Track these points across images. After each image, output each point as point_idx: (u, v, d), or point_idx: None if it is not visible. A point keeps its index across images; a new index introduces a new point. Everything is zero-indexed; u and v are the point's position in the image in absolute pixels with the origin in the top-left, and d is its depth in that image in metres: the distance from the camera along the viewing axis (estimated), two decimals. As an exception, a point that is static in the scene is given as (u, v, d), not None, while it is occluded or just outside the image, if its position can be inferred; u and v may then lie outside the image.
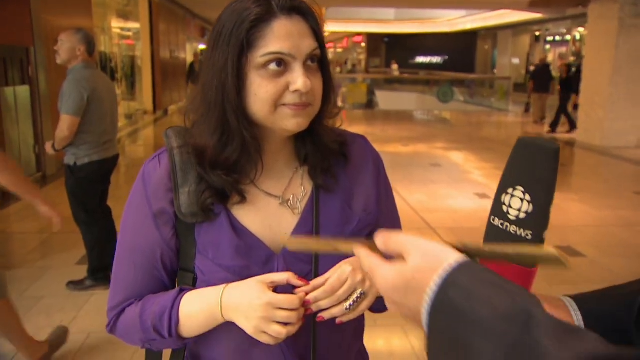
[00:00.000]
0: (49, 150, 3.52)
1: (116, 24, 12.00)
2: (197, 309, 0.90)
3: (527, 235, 0.65)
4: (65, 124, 3.35)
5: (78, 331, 3.13)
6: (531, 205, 0.64)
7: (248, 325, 0.86)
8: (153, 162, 0.97)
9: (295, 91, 0.86)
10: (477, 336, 0.49)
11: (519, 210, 0.65)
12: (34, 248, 4.54)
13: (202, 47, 21.31)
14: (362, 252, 0.64)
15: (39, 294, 3.62)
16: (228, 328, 0.90)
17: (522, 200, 0.65)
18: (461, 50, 29.93)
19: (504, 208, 0.67)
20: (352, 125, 11.46)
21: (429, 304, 0.53)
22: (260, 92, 0.86)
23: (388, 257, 0.61)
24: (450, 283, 0.53)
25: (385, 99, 17.70)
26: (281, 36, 0.86)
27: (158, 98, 13.79)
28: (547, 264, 0.56)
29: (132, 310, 0.94)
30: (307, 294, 0.88)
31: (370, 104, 17.09)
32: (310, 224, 0.96)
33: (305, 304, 0.88)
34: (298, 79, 0.86)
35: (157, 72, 13.64)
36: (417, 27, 28.30)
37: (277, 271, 0.92)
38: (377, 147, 1.11)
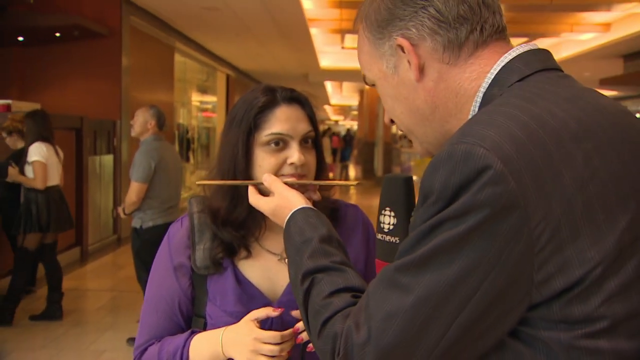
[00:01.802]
0: (120, 214, 3.93)
1: (195, 98, 12.97)
2: (203, 348, 1.07)
3: (395, 240, 0.88)
4: (134, 190, 3.76)
5: (133, 385, 3.35)
6: (395, 219, 0.89)
7: (242, 359, 1.03)
8: (176, 224, 1.19)
9: (292, 164, 1.07)
10: (290, 247, 0.91)
11: (388, 224, 0.89)
12: (104, 304, 4.89)
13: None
14: (250, 190, 1.06)
15: (101, 348, 3.89)
16: None
17: (389, 216, 0.89)
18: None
19: (381, 225, 0.90)
20: (415, 197, 11.46)
21: (284, 227, 0.95)
22: (264, 164, 1.08)
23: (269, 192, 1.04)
24: (292, 218, 0.95)
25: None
26: (282, 120, 1.08)
27: (230, 167, 14.46)
28: (351, 185, 1.08)
29: (153, 348, 1.12)
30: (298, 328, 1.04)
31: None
32: None
33: (295, 331, 1.04)
34: (294, 154, 1.07)
35: (231, 142, 14.42)
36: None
37: (273, 319, 1.08)
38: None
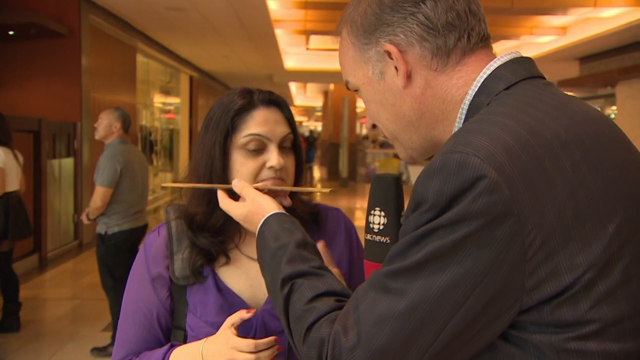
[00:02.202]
0: (84, 220, 3.80)
1: (158, 99, 12.72)
2: None
3: (386, 240, 0.88)
4: (99, 195, 3.64)
5: (98, 398, 3.22)
6: (385, 218, 0.88)
7: None
8: (153, 234, 1.14)
9: (270, 167, 1.04)
10: (265, 252, 0.90)
11: (379, 223, 0.88)
12: (65, 314, 4.71)
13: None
14: (220, 194, 1.03)
15: (64, 359, 3.74)
16: None
17: (379, 216, 0.88)
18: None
19: (370, 225, 0.89)
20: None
21: (257, 232, 0.94)
22: (242, 169, 1.05)
23: (238, 197, 1.02)
24: (265, 224, 0.93)
25: (417, 174, 17.83)
26: (260, 122, 1.06)
27: (194, 169, 14.26)
28: (325, 192, 1.02)
29: None
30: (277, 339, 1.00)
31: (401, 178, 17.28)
32: None
33: (276, 340, 0.99)
34: (273, 157, 1.05)
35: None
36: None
37: (256, 327, 1.05)
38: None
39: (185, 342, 1.08)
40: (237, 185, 1.01)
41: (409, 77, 0.80)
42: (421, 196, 0.69)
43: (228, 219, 1.08)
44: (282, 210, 0.96)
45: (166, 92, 13.37)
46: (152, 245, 1.13)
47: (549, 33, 10.03)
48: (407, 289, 0.67)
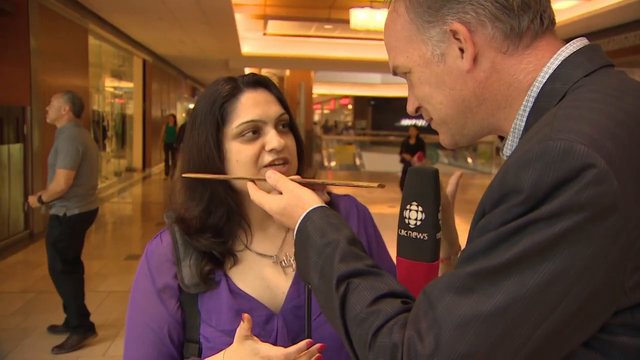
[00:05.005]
0: (33, 203, 3.70)
1: (110, 84, 12.26)
2: None
3: (424, 237, 0.84)
4: (63, 178, 3.59)
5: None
6: (423, 214, 0.84)
7: None
8: (155, 241, 1.06)
9: (272, 150, 0.98)
10: (310, 249, 0.81)
11: (416, 219, 0.84)
12: (19, 309, 4.48)
13: (192, 106, 21.72)
14: (251, 187, 0.95)
15: (22, 358, 3.56)
16: None
17: (416, 211, 0.84)
18: (445, 114, 30.59)
19: (406, 220, 0.85)
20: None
21: (297, 227, 0.85)
22: (240, 157, 0.99)
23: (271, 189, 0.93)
24: (308, 218, 0.84)
25: (372, 161, 18.01)
26: (250, 106, 1.00)
27: (148, 156, 13.91)
28: (372, 187, 0.88)
29: None
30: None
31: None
32: None
33: (308, 345, 0.88)
34: (272, 139, 0.99)
35: (148, 130, 13.83)
36: (403, 91, 29.17)
37: (277, 329, 0.99)
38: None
39: (200, 355, 0.99)
40: (271, 177, 0.92)
41: (474, 59, 0.74)
42: (512, 187, 0.62)
43: (228, 219, 1.01)
44: (324, 204, 0.87)
45: (118, 76, 12.90)
46: (155, 253, 1.04)
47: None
48: (495, 289, 0.61)
